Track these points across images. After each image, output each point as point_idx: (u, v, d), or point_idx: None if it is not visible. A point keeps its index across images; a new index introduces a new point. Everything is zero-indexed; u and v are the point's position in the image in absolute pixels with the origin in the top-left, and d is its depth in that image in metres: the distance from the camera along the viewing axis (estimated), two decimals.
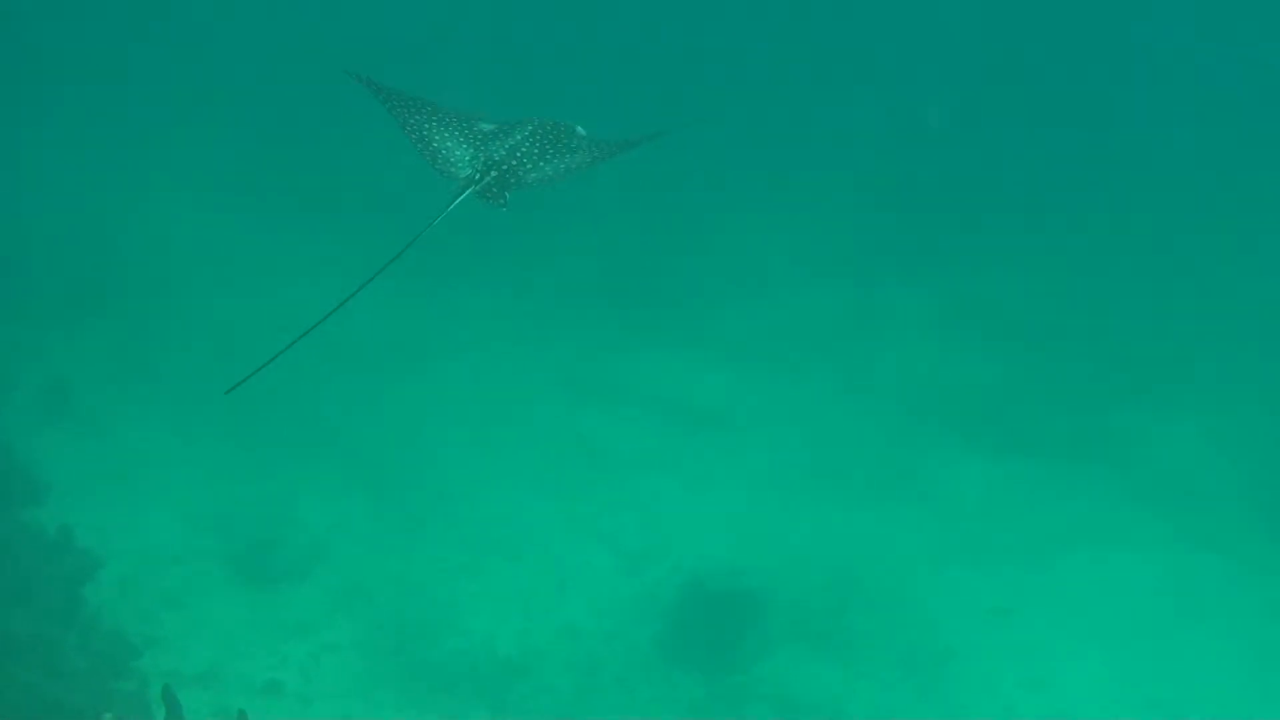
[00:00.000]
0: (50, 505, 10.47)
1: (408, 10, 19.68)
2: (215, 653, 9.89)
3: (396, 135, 7.29)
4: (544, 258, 15.64)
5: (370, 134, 16.52)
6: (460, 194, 7.08)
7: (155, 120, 16.92)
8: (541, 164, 7.44)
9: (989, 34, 20.25)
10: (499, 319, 14.80)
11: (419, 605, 10.65)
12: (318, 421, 12.77)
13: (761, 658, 10.60)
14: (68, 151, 16.05)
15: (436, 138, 7.47)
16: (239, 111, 17.19)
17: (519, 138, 7.45)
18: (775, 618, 10.91)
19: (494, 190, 7.23)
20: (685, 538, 11.84)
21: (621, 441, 13.02)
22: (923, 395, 13.97)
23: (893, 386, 14.11)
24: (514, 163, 7.34)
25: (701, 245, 16.35)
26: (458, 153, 7.43)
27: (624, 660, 10.46)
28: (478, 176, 7.20)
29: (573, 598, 11.00)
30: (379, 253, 6.16)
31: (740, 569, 11.29)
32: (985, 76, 19.78)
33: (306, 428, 12.61)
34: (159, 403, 12.57)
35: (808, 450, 13.06)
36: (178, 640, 9.88)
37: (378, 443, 12.60)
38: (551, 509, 12.05)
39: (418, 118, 7.55)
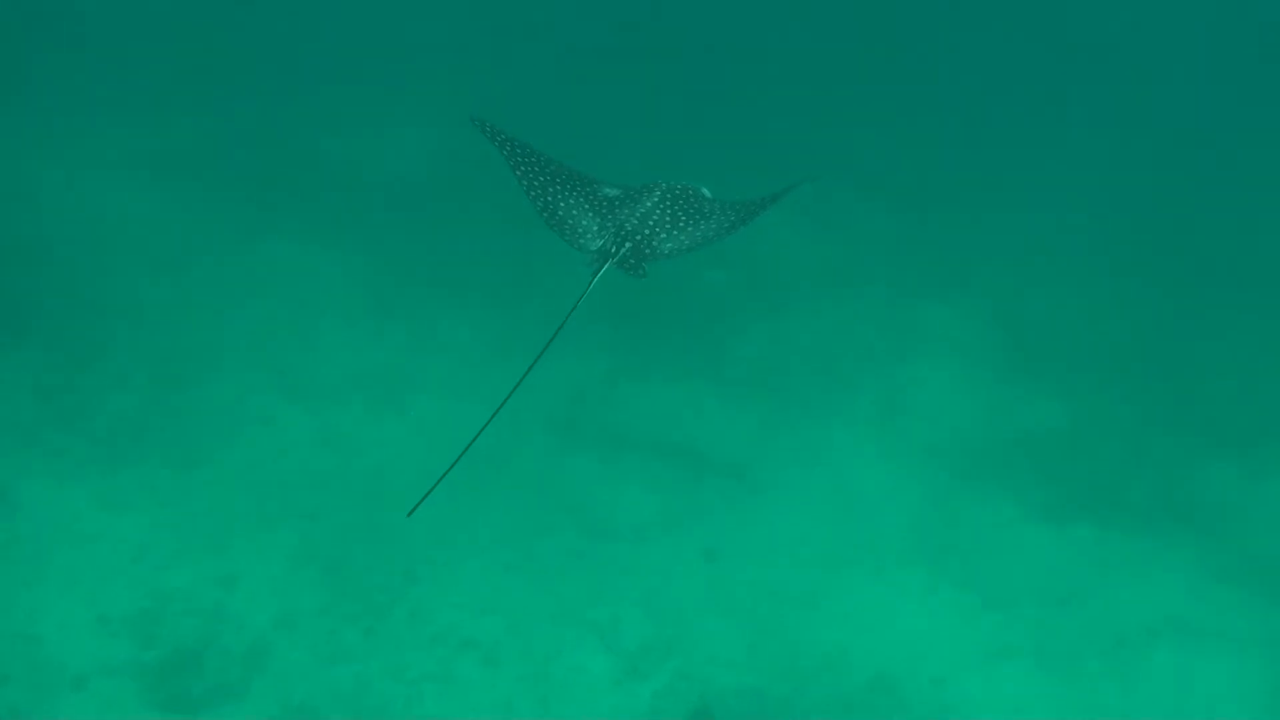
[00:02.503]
0: None
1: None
2: None
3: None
4: (523, 269, 13.56)
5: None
6: (600, 269, 6.89)
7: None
8: (675, 232, 7.20)
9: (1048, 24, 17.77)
10: (474, 346, 12.77)
11: None
12: (270, 480, 10.84)
13: None
14: None
15: (563, 205, 7.22)
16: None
17: (649, 205, 7.20)
18: None
19: (631, 262, 7.04)
20: (694, 632, 9.94)
21: (618, 502, 11.09)
22: (967, 442, 12.00)
23: (932, 430, 12.11)
24: (646, 232, 7.10)
25: (709, 258, 14.25)
26: (584, 221, 7.21)
27: None
28: (613, 250, 7.00)
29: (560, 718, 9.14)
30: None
31: (757, 684, 9.40)
32: (1049, 64, 17.41)
33: (256, 487, 10.69)
34: (76, 457, 10.63)
35: (834, 514, 11.13)
36: None
37: (337, 505, 10.68)
38: (535, 593, 10.15)
39: (542, 179, 7.25)
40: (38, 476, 10.35)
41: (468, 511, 11.04)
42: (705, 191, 7.63)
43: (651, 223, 7.21)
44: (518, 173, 7.42)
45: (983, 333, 13.31)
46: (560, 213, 7.23)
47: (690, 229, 7.27)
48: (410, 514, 6.27)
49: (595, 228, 7.19)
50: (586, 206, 7.26)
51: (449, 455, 11.67)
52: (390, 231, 13.69)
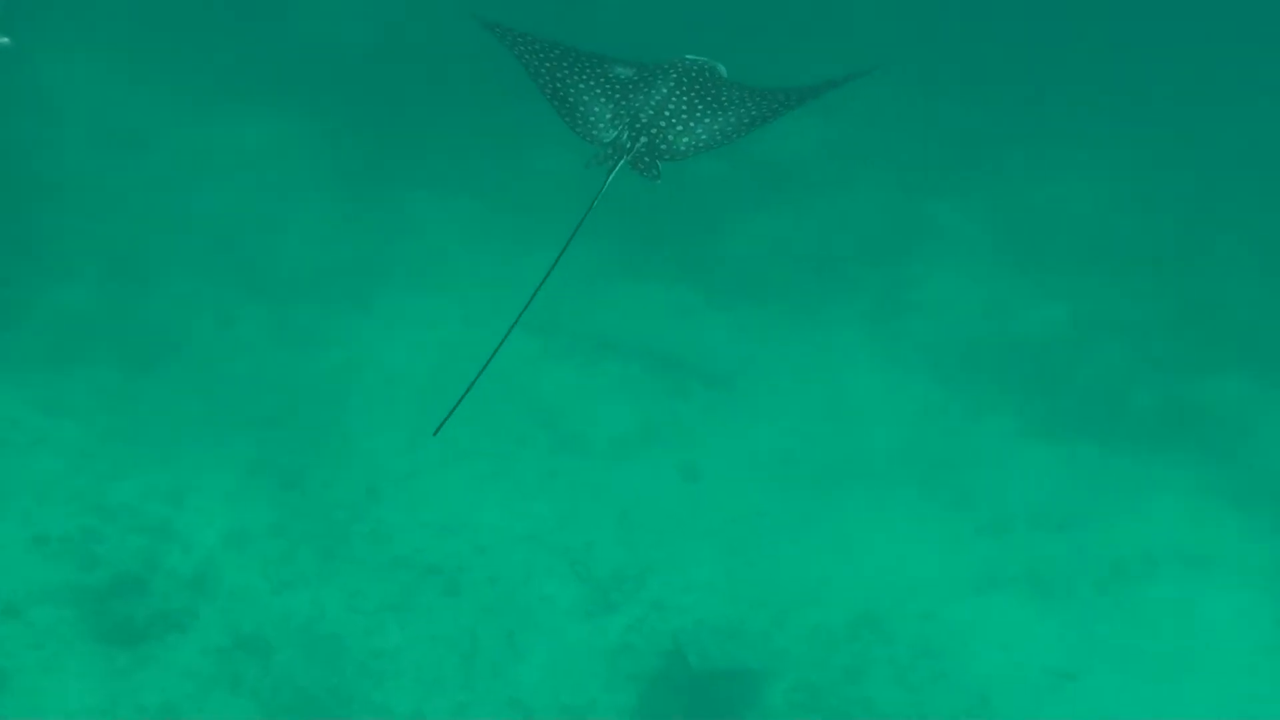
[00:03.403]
0: None
1: None
2: None
3: None
4: (506, 147, 12.66)
5: None
6: (614, 166, 6.49)
7: None
8: (692, 124, 6.72)
9: None
10: (453, 236, 11.97)
11: (327, 671, 8.28)
12: (222, 383, 10.18)
13: None
14: None
15: (573, 90, 6.83)
16: None
17: (664, 91, 6.74)
18: (778, 684, 8.56)
19: (645, 160, 6.57)
20: (670, 559, 9.41)
21: (596, 413, 10.45)
22: (967, 347, 11.31)
23: (931, 335, 11.41)
24: (662, 124, 6.63)
25: None
26: (595, 108, 6.76)
27: None
28: (628, 144, 6.54)
29: (525, 654, 8.63)
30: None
31: (734, 617, 8.89)
32: None
33: (207, 392, 10.03)
34: (15, 356, 9.95)
35: (824, 429, 10.51)
36: None
37: (296, 413, 10.04)
38: (504, 515, 9.59)
39: (549, 65, 6.87)
40: None
41: (436, 420, 10.36)
42: (721, 70, 7.09)
43: (668, 113, 6.69)
44: (526, 65, 6.98)
45: (988, 228, 12.51)
46: (571, 99, 6.77)
47: (708, 121, 6.74)
48: (436, 432, 6.21)
49: (608, 116, 6.72)
50: (598, 91, 6.80)
51: (420, 356, 11.06)
52: (362, 105, 12.76)
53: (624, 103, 6.80)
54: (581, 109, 6.78)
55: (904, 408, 10.79)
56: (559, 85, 6.86)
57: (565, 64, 6.96)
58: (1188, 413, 10.75)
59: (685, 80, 6.90)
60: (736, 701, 8.22)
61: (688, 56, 7.17)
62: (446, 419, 6.15)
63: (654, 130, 6.67)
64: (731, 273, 11.94)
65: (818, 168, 12.91)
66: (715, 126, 6.77)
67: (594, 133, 6.71)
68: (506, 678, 8.37)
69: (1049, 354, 11.24)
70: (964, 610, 9.28)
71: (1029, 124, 13.40)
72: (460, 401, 6.15)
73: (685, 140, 6.71)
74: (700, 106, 6.78)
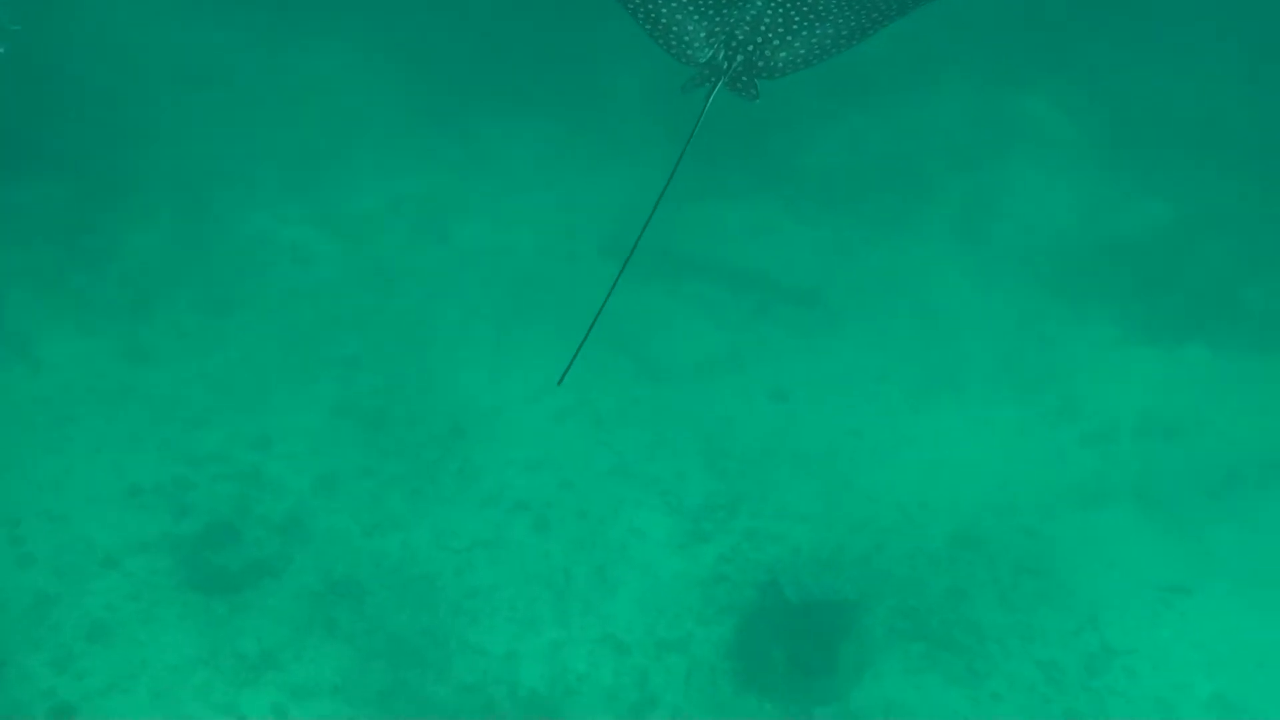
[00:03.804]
0: None
1: None
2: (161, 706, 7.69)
3: None
4: (580, 70, 12.31)
5: None
6: (713, 88, 6.27)
7: None
8: (790, 38, 6.42)
9: None
10: (526, 161, 11.70)
11: (420, 613, 8.25)
12: (302, 324, 10.11)
13: (860, 676, 8.10)
14: None
15: (665, 8, 6.51)
16: None
17: (760, 3, 6.45)
18: (878, 611, 8.35)
19: (743, 80, 6.36)
20: (762, 485, 9.20)
21: (680, 337, 10.21)
22: (1064, 251, 10.86)
23: (1024, 240, 10.95)
24: (759, 40, 6.38)
25: None
26: (689, 26, 6.49)
27: (683, 686, 8.05)
28: (725, 64, 6.32)
29: (618, 589, 8.52)
30: None
31: (831, 543, 8.68)
32: None
33: (287, 335, 9.98)
34: (100, 304, 9.96)
35: (915, 343, 10.17)
36: (109, 693, 7.68)
37: (377, 351, 9.95)
38: (590, 445, 9.43)
39: None
40: (61, 327, 9.67)
41: (516, 351, 10.25)
42: None
43: (764, 27, 6.41)
44: None
45: (1083, 123, 11.90)
46: (664, 19, 6.48)
47: (805, 34, 6.44)
48: (560, 381, 6.15)
49: (703, 34, 6.45)
50: (691, 8, 6.50)
51: (497, 289, 10.88)
52: (430, 32, 12.46)
53: (718, 18, 6.54)
54: (676, 28, 6.53)
55: (999, 317, 10.39)
56: (651, 3, 6.56)
57: None
58: None
59: None
60: (836, 631, 8.03)
61: None
62: (569, 368, 6.04)
63: (750, 47, 6.44)
64: (812, 184, 11.56)
65: (895, 67, 12.37)
66: (813, 40, 6.49)
67: (689, 52, 6.48)
68: (600, 613, 8.26)
69: (1151, 255, 10.73)
70: (1069, 526, 8.97)
71: (1117, 14, 12.68)
72: (579, 350, 6.06)
73: (783, 55, 6.46)
74: (797, 18, 6.50)
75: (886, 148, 11.72)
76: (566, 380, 10.49)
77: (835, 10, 6.60)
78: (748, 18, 6.54)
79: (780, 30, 6.50)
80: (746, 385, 9.90)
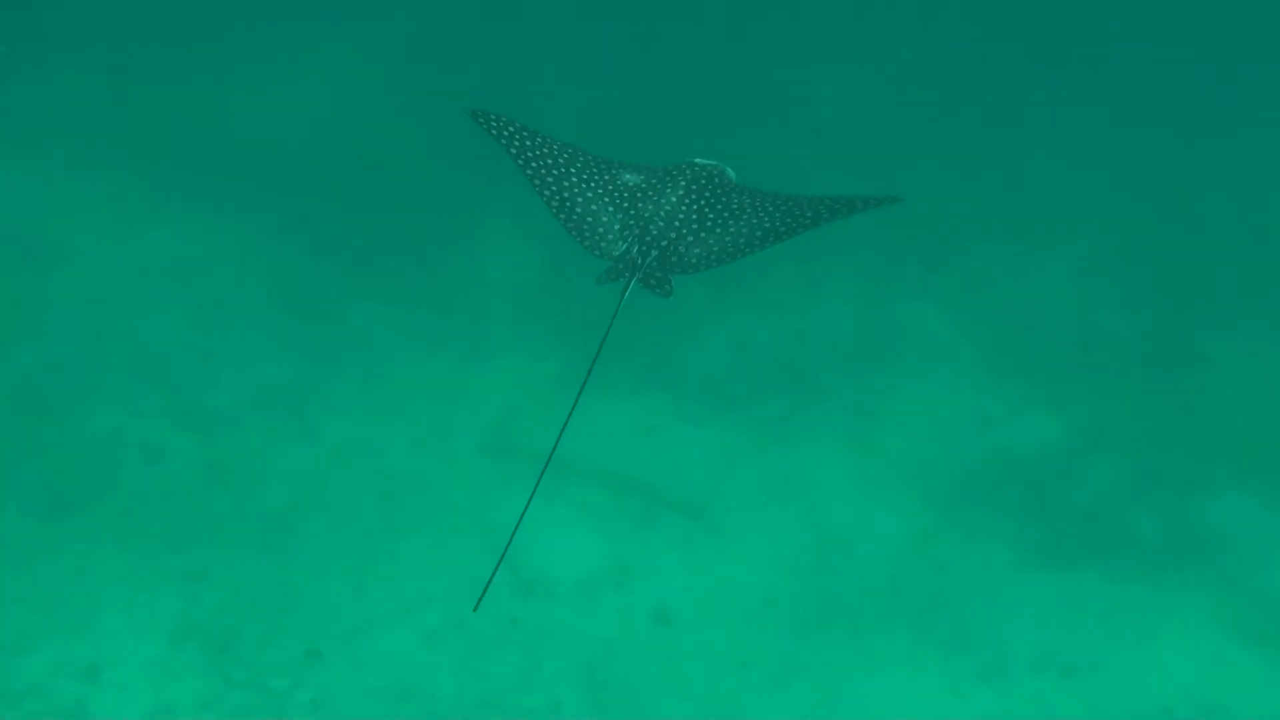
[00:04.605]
0: None
1: None
2: None
3: None
4: (455, 253, 11.87)
5: None
6: (628, 284, 6.28)
7: None
8: (704, 235, 6.49)
9: None
10: (401, 351, 11.12)
11: None
12: (148, 531, 9.23)
13: None
14: None
15: (580, 199, 6.52)
16: None
17: (675, 199, 6.52)
18: None
19: (657, 276, 6.37)
20: (642, 717, 8.55)
21: (559, 549, 9.63)
22: (953, 464, 10.62)
23: (914, 452, 10.68)
24: (673, 235, 6.42)
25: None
26: (604, 218, 6.51)
27: None
28: (639, 259, 6.32)
29: None
30: None
31: None
32: None
33: (130, 543, 9.08)
34: None
35: (806, 563, 9.78)
36: None
37: (230, 562, 9.11)
38: (459, 671, 8.69)
39: (556, 169, 6.51)
40: None
41: (385, 563, 9.53)
42: (730, 173, 6.86)
43: (678, 223, 6.46)
44: (528, 170, 6.62)
45: (969, 332, 11.81)
46: (579, 209, 6.46)
47: (719, 232, 6.48)
48: (476, 608, 5.95)
49: (617, 226, 6.48)
50: (606, 200, 6.54)
51: (366, 493, 10.18)
52: (297, 207, 11.93)
53: (633, 212, 6.52)
54: (590, 219, 6.49)
55: (890, 536, 10.03)
56: (566, 192, 6.51)
57: (574, 168, 6.60)
58: (1192, 535, 10.07)
59: (695, 187, 6.63)
60: None
61: (696, 160, 6.88)
62: (484, 593, 5.83)
63: (665, 243, 6.39)
64: (700, 384, 11.20)
65: (783, 265, 12.21)
66: (727, 238, 6.50)
67: (603, 245, 6.43)
68: None
69: (1042, 472, 10.55)
70: None
71: (1002, 216, 12.77)
72: (496, 571, 5.83)
73: (697, 252, 6.43)
74: (711, 215, 6.52)
75: (775, 349, 11.45)
76: (436, 594, 9.80)
77: (749, 210, 6.57)
78: (662, 213, 6.50)
79: (694, 226, 6.45)
80: (630, 605, 9.34)
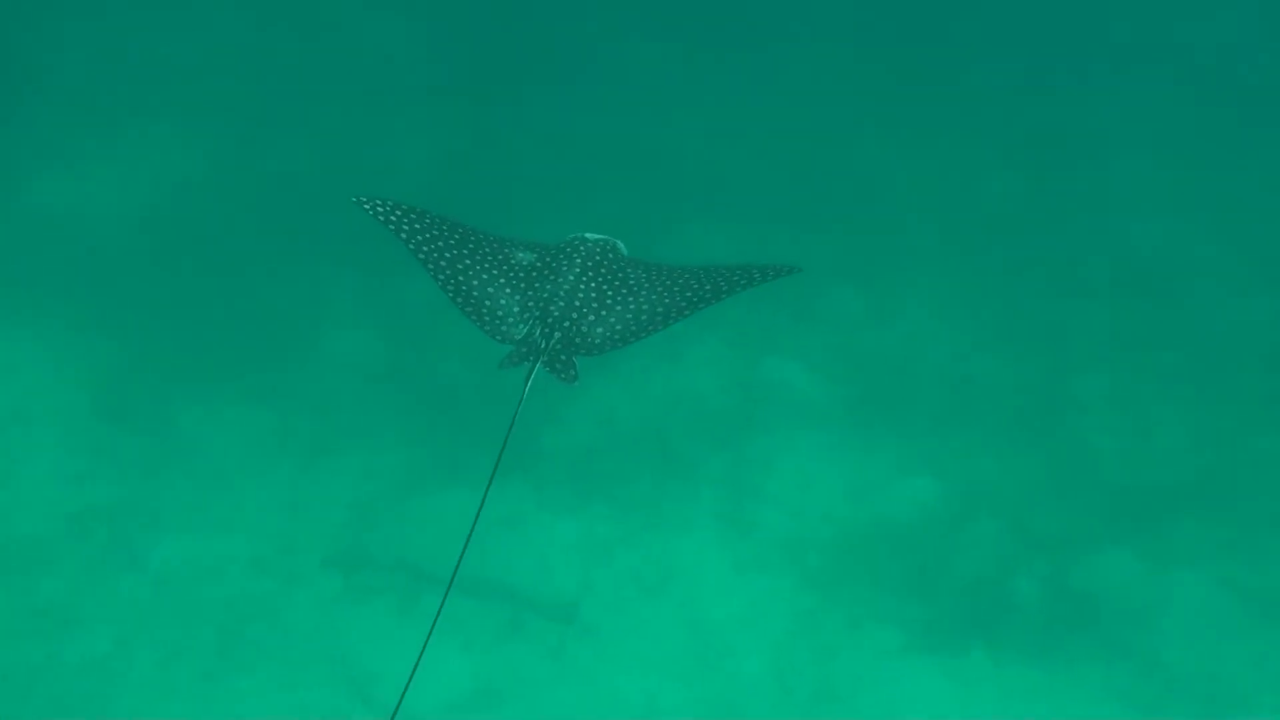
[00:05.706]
0: None
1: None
2: None
3: None
4: (297, 343, 10.99)
5: None
6: (532, 369, 6.26)
7: None
8: (604, 313, 6.50)
9: None
10: (235, 456, 10.21)
11: None
12: None
13: None
14: None
15: (476, 282, 6.45)
16: None
17: (572, 278, 6.54)
18: None
19: (562, 359, 6.38)
20: None
21: (421, 664, 8.79)
22: (831, 539, 10.20)
23: (792, 524, 10.27)
24: (575, 316, 6.45)
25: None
26: (503, 300, 6.46)
27: None
28: (543, 342, 6.33)
29: None
30: None
31: None
32: None
33: None
34: None
35: (687, 660, 9.31)
36: None
37: None
38: None
39: (448, 253, 6.41)
40: None
41: (226, 703, 8.65)
42: (621, 247, 6.87)
43: (578, 302, 6.48)
44: (420, 254, 6.44)
45: (839, 386, 11.36)
46: (475, 293, 6.39)
47: (620, 309, 6.50)
48: None
49: (516, 309, 6.44)
50: (503, 281, 6.50)
51: (202, 624, 9.27)
52: (116, 307, 10.94)
53: (530, 292, 6.48)
54: (489, 302, 6.43)
55: (773, 624, 9.55)
56: (461, 277, 6.43)
57: (466, 250, 6.49)
58: (1075, 599, 9.78)
59: (590, 263, 6.65)
60: None
61: (587, 236, 6.82)
62: None
63: (567, 323, 6.39)
64: (562, 467, 10.55)
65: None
66: (629, 315, 6.51)
67: (503, 328, 6.39)
68: None
69: (921, 539, 10.17)
70: None
71: (862, 263, 12.39)
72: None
73: (600, 331, 6.42)
74: (610, 293, 6.54)
75: (639, 422, 10.87)
76: None
77: (646, 286, 6.52)
78: (561, 292, 6.50)
79: (595, 305, 6.45)
80: None
